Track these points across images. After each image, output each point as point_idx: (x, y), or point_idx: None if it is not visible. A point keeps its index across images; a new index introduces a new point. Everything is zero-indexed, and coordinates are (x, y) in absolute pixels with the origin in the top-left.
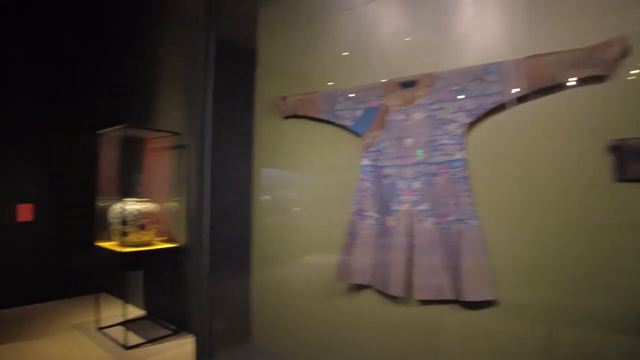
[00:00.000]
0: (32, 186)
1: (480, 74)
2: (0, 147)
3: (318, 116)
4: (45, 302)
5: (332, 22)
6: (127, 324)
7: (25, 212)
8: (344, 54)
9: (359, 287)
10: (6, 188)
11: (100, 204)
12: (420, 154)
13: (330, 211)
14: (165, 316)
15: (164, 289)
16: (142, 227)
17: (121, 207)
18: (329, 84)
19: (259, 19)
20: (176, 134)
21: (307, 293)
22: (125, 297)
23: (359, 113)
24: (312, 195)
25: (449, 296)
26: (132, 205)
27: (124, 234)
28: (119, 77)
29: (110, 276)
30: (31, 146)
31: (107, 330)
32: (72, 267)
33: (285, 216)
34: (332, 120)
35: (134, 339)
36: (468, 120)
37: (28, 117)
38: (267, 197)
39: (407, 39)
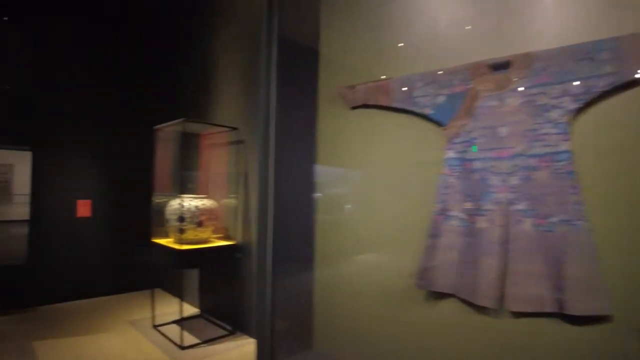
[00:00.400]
0: (90, 182)
1: (589, 52)
2: (61, 144)
3: (392, 105)
4: (101, 296)
5: (403, 4)
6: (182, 322)
7: (84, 208)
8: (414, 38)
9: (440, 295)
10: (67, 184)
11: (157, 200)
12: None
13: (405, 210)
14: (220, 315)
15: (220, 287)
16: (199, 224)
17: (178, 204)
18: (402, 71)
19: (321, 8)
20: (234, 129)
21: (376, 297)
22: (180, 294)
23: (441, 100)
24: (383, 192)
25: (549, 309)
26: (190, 202)
27: (181, 230)
28: (176, 72)
29: (166, 273)
30: (90, 142)
31: (162, 328)
32: (128, 263)
33: (352, 214)
34: (409, 108)
35: (189, 338)
36: (574, 106)
37: (87, 113)
38: (332, 192)
39: (492, 16)
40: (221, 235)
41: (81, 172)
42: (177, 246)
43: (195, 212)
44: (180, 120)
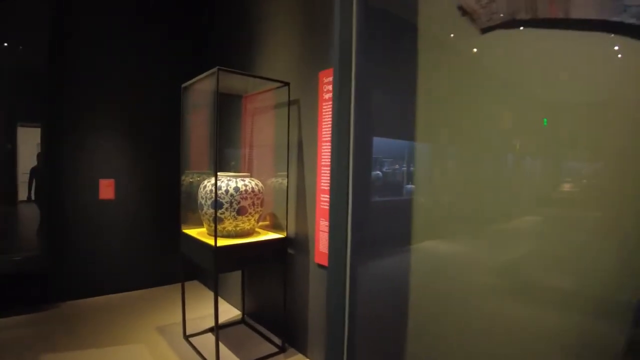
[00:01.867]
0: (113, 158)
1: None
2: (76, 115)
3: (572, 15)
4: (129, 291)
5: None
6: (220, 330)
7: (107, 189)
8: None
9: None
10: (87, 160)
11: (188, 179)
12: None
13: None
14: (267, 323)
15: (268, 288)
16: (240, 212)
17: (213, 185)
18: None
19: None
20: (284, 84)
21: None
22: (217, 293)
23: None
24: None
25: None
26: (228, 182)
27: (218, 220)
28: (210, 18)
29: (199, 270)
30: (109, 110)
31: (195, 339)
32: (159, 253)
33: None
34: (613, 19)
35: (227, 354)
36: None
37: (105, 74)
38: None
39: None
40: (267, 223)
41: (101, 148)
42: (210, 240)
43: (235, 196)
44: (214, 70)
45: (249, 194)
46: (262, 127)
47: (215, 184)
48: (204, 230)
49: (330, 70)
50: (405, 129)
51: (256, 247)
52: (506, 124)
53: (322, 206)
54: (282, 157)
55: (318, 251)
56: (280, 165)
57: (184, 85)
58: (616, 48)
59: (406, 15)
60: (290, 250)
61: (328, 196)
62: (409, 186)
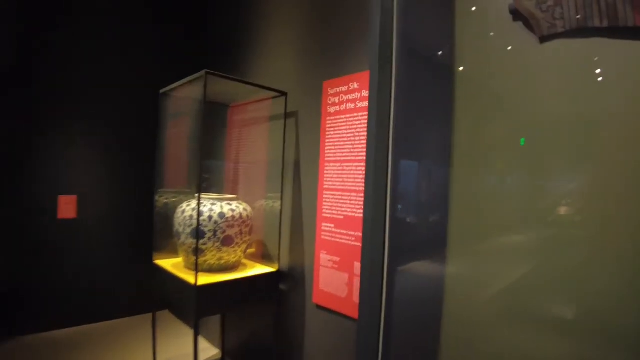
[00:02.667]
0: (76, 170)
1: None
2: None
3: None
4: (89, 323)
5: None
6: None
7: (67, 207)
8: None
9: None
10: (43, 173)
11: (163, 199)
12: None
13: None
14: None
15: (253, 328)
16: (225, 242)
17: (194, 210)
18: None
19: None
20: (281, 94)
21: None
22: (196, 328)
23: None
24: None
25: None
26: (212, 206)
27: (198, 251)
28: (199, 21)
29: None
30: (72, 117)
31: None
32: (126, 282)
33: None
34: None
35: None
36: None
37: (68, 74)
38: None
39: None
40: (253, 251)
41: (62, 158)
42: (191, 277)
43: (220, 223)
44: (201, 74)
45: (237, 220)
46: (251, 141)
47: (198, 209)
48: (180, 261)
49: (337, 81)
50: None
51: (244, 285)
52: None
53: (323, 237)
54: (275, 176)
55: (317, 289)
56: (272, 185)
57: (162, 90)
58: None
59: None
60: (282, 286)
61: (331, 225)
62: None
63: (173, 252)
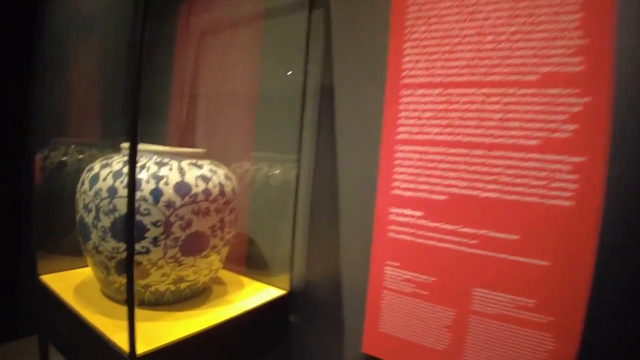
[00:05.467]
0: None
1: None
2: None
3: None
4: None
5: None
6: None
7: None
8: None
9: None
10: None
11: (58, 157)
12: None
13: None
14: None
15: None
16: (192, 247)
17: (117, 173)
18: None
19: None
20: None
21: None
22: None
23: None
24: None
25: None
26: (161, 170)
27: (139, 270)
28: None
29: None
30: None
31: None
32: None
33: None
34: None
35: None
36: None
37: None
38: None
39: None
40: (226, 253)
41: None
42: (115, 329)
43: (180, 206)
44: None
45: (213, 200)
46: (226, 58)
47: (132, 170)
48: (90, 278)
49: None
50: None
51: (229, 333)
52: None
53: (393, 235)
54: (276, 120)
55: (374, 330)
56: (268, 137)
57: None
58: None
59: None
60: (292, 319)
61: (415, 212)
62: None
63: (75, 254)
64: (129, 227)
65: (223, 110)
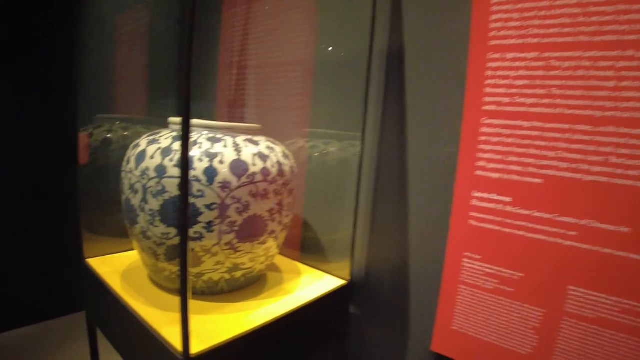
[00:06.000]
0: None
1: None
2: None
3: None
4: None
5: None
6: None
7: None
8: None
9: None
10: None
11: (101, 134)
12: None
13: None
14: None
15: None
16: (250, 232)
17: (166, 150)
18: None
19: None
20: None
21: None
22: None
23: None
24: None
25: None
26: (214, 147)
27: (186, 258)
28: None
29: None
30: None
31: None
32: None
33: None
34: None
35: None
36: None
37: None
38: None
39: None
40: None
41: None
42: (167, 324)
43: (235, 187)
44: None
45: (272, 180)
46: (278, 25)
47: (185, 146)
48: (136, 263)
49: None
50: None
51: (291, 328)
52: None
53: (475, 222)
54: (339, 93)
55: (446, 328)
56: (325, 112)
57: None
58: None
59: None
60: (353, 310)
61: (502, 198)
62: None
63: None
64: (185, 214)
65: (275, 82)
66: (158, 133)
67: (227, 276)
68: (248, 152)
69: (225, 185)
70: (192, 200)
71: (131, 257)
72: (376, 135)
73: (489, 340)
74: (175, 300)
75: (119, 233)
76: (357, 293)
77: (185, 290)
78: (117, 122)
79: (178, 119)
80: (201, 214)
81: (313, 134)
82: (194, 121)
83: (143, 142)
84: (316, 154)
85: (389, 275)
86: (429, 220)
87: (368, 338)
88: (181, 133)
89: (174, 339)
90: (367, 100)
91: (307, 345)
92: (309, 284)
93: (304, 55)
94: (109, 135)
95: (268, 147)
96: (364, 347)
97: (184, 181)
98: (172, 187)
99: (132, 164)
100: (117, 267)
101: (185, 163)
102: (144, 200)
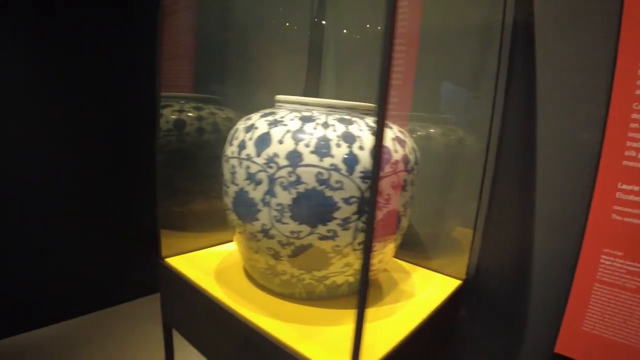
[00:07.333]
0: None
1: None
2: None
3: None
4: (68, 318)
5: None
6: None
7: None
8: None
9: None
10: None
11: (189, 111)
12: None
13: None
14: None
15: None
16: (384, 227)
17: (305, 135)
18: None
19: None
20: None
21: None
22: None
23: None
24: None
25: None
26: (348, 130)
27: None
28: None
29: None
30: None
31: None
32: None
33: None
34: None
35: None
36: None
37: None
38: None
39: None
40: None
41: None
42: (296, 344)
43: (387, 175)
44: None
45: (410, 171)
46: None
47: (380, 125)
48: (224, 263)
49: None
50: None
51: (421, 335)
52: None
53: (619, 217)
54: (450, 71)
55: (575, 327)
56: (433, 90)
57: None
58: None
59: None
60: (464, 310)
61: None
62: None
63: (205, 230)
64: (375, 191)
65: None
66: (274, 113)
67: (351, 279)
68: (387, 137)
69: (364, 174)
70: (328, 192)
71: (216, 256)
72: (498, 117)
73: (627, 343)
74: (296, 308)
75: (195, 227)
76: (469, 292)
77: (363, 302)
78: (182, 101)
79: (289, 97)
80: (338, 208)
81: (417, 117)
82: (296, 98)
83: (261, 124)
84: (421, 140)
85: (505, 272)
86: (558, 213)
87: (479, 338)
88: (376, 118)
89: (317, 355)
90: (497, 79)
91: (429, 350)
92: (427, 286)
93: (407, 25)
94: (181, 116)
95: (400, 131)
96: (475, 350)
97: (375, 177)
98: (309, 177)
99: (249, 150)
100: (205, 268)
101: (378, 153)
102: (270, 192)
